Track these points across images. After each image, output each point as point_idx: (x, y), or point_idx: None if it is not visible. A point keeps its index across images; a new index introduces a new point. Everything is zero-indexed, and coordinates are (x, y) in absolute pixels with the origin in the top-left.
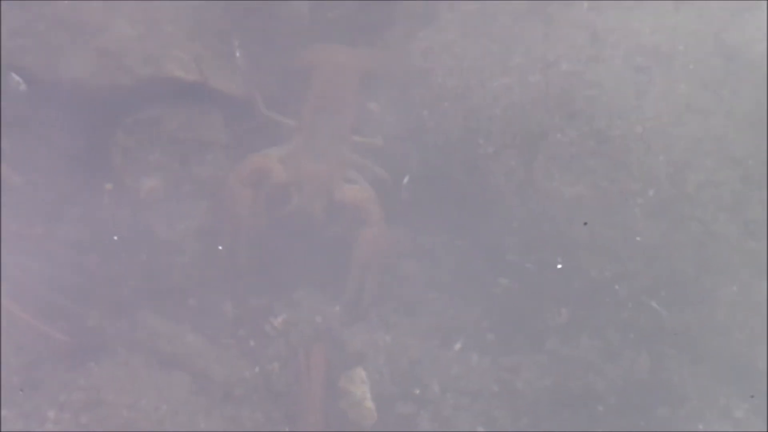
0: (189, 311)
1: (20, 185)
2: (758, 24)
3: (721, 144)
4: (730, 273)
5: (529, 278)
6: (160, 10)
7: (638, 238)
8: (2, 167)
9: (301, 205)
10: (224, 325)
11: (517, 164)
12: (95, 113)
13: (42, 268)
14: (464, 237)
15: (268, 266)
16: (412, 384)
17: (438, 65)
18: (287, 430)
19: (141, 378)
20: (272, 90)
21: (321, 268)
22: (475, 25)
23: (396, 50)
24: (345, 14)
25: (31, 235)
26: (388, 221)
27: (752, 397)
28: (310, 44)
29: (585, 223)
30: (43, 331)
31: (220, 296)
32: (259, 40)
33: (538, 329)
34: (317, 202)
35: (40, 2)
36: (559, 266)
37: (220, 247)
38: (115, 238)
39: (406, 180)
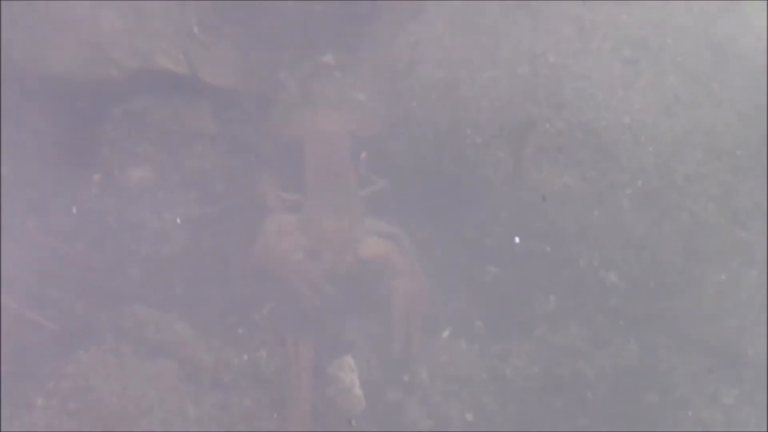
0: (177, 300)
1: (9, 176)
2: (746, 17)
3: (710, 135)
4: (719, 262)
5: (517, 266)
6: (148, 3)
7: (627, 228)
8: None
9: (331, 264)
10: (212, 313)
11: (505, 155)
12: (84, 105)
13: (31, 257)
14: (453, 226)
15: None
16: (401, 371)
17: (426, 57)
18: (275, 416)
19: (129, 365)
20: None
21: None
22: (463, 18)
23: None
24: (332, 8)
25: (21, 225)
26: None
27: (711, 371)
28: (297, 112)
29: (543, 198)
30: (31, 319)
31: (209, 285)
32: (247, 33)
33: (527, 317)
34: (344, 260)
35: None
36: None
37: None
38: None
39: (363, 155)
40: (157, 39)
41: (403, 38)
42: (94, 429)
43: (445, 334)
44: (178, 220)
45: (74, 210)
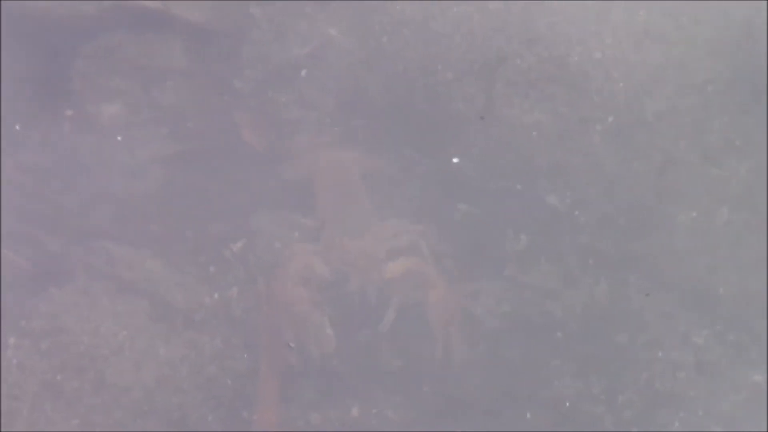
0: (149, 237)
1: None
2: None
3: (681, 71)
4: (690, 199)
5: (488, 204)
6: None
7: (598, 165)
8: None
9: (359, 285)
10: (184, 251)
11: (477, 91)
12: (56, 41)
13: (3, 194)
14: (424, 163)
15: (227, 191)
16: (371, 312)
17: None
18: (246, 356)
19: (101, 304)
20: None
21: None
22: None
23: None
24: None
25: None
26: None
27: (647, 295)
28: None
29: (482, 117)
30: (4, 257)
31: (181, 222)
32: None
33: (497, 255)
34: (373, 280)
35: None
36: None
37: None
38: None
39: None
40: None
41: None
42: (66, 368)
43: None
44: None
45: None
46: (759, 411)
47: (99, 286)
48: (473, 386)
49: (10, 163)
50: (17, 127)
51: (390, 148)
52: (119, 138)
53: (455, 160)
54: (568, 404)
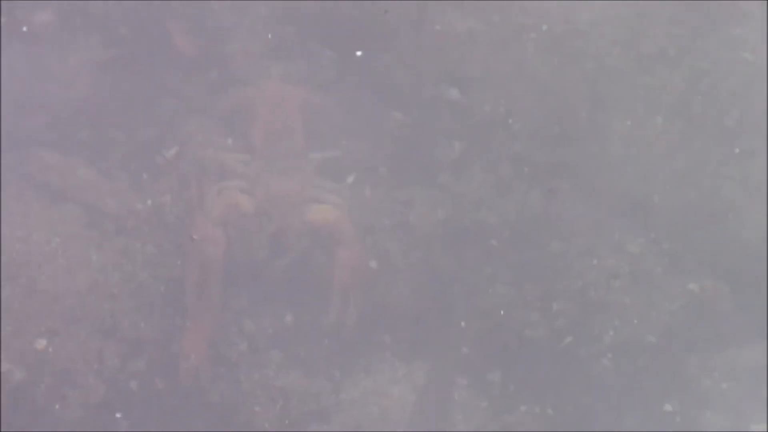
0: (81, 144)
1: None
2: None
3: None
4: (624, 108)
5: (421, 112)
6: None
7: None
8: None
9: (278, 226)
10: (116, 158)
11: None
12: None
13: None
14: (357, 71)
15: (160, 98)
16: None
17: None
18: (179, 263)
19: (33, 211)
20: None
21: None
22: None
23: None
24: None
25: None
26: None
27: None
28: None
29: (385, 11)
30: None
31: (112, 129)
32: None
33: (431, 163)
34: (293, 221)
35: None
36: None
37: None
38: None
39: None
40: None
41: None
42: None
43: (349, 180)
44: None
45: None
46: (693, 319)
47: (31, 193)
48: (406, 294)
49: None
50: None
51: (323, 56)
52: (51, 45)
53: (358, 53)
54: (502, 312)
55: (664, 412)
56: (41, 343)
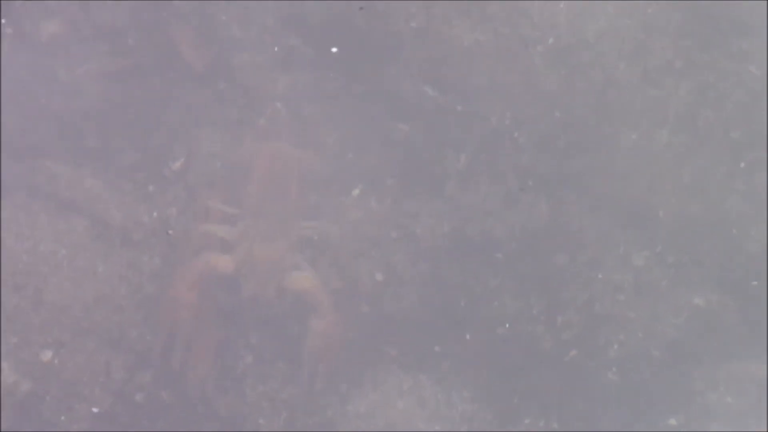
0: (88, 155)
1: None
2: None
3: None
4: (630, 120)
5: (428, 124)
6: None
7: (538, 85)
8: None
9: (253, 290)
10: (123, 169)
11: (417, 9)
12: None
13: None
14: (363, 82)
15: (167, 109)
16: (310, 230)
17: None
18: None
19: (40, 222)
20: None
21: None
22: None
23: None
24: None
25: None
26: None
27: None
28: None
29: (360, 8)
30: None
31: (119, 140)
32: None
33: (438, 175)
34: (270, 286)
35: None
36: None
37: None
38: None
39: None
40: None
41: None
42: (4, 286)
43: (355, 192)
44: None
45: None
46: (699, 333)
47: (38, 204)
48: (412, 306)
49: None
50: None
51: (329, 66)
52: (59, 55)
53: (334, 49)
54: (507, 325)
55: (669, 426)
56: (47, 355)
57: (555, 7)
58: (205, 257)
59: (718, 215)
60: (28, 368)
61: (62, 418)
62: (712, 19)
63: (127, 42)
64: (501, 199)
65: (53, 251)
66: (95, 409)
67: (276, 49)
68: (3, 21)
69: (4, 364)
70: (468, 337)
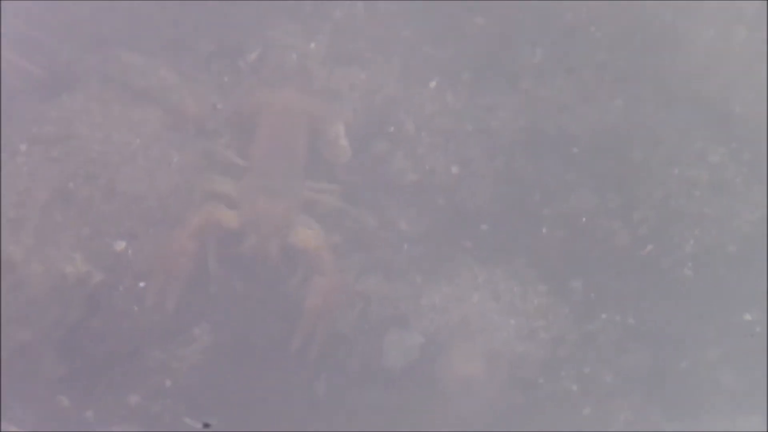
0: (163, 46)
1: None
2: None
3: None
4: (708, 17)
5: (504, 18)
6: None
7: None
8: None
9: (255, 246)
10: (198, 60)
11: None
12: None
13: (18, 3)
14: None
15: (242, 4)
16: (387, 122)
17: None
18: None
19: (114, 112)
20: None
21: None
22: None
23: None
24: None
25: None
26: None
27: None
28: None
29: None
30: (16, 64)
31: (195, 32)
32: None
33: (514, 69)
34: (272, 243)
35: None
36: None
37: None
38: None
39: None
40: None
41: None
42: (77, 176)
43: (432, 85)
44: None
45: None
46: None
47: (112, 93)
48: (487, 200)
49: None
50: None
51: None
52: None
53: None
54: (584, 219)
55: (744, 321)
56: (120, 245)
57: None
58: (209, 208)
59: None
60: (101, 259)
61: (134, 308)
62: None
63: None
64: (577, 94)
65: (127, 141)
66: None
67: None
68: None
69: (76, 255)
70: (544, 231)
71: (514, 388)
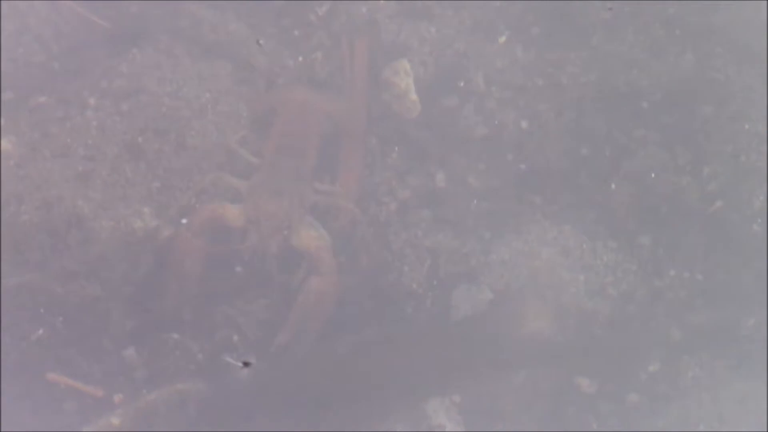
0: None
1: None
2: None
3: None
4: None
5: None
6: None
7: None
8: None
9: (256, 245)
10: (268, 14)
11: None
12: None
13: None
14: None
15: None
16: (457, 76)
17: None
18: None
19: (183, 66)
20: None
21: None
22: None
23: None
24: None
25: None
26: None
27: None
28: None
29: None
30: (85, 17)
31: None
32: None
33: (584, 24)
34: (273, 243)
35: None
36: None
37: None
38: None
39: None
40: None
41: None
42: (146, 130)
43: (502, 39)
44: None
45: None
46: None
47: (181, 47)
48: (557, 155)
49: None
50: None
51: None
52: None
53: None
54: (653, 175)
55: None
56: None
57: None
58: (213, 205)
59: None
60: (170, 213)
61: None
62: None
63: None
64: (647, 49)
65: (196, 95)
66: (238, 269)
67: None
68: None
69: (146, 209)
70: (613, 186)
71: (582, 343)
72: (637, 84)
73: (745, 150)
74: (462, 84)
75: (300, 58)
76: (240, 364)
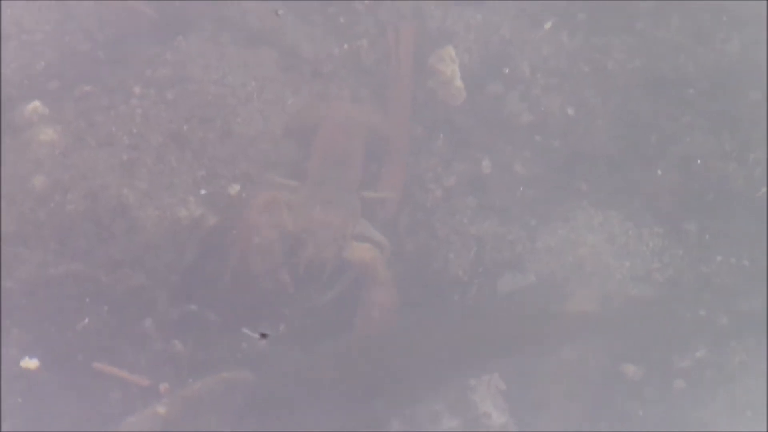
0: None
1: None
2: None
3: None
4: None
5: None
6: None
7: None
8: None
9: (311, 256)
10: (314, 2)
11: None
12: None
13: None
14: None
15: None
16: (502, 63)
17: None
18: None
19: (228, 54)
20: None
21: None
22: None
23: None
24: None
25: None
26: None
27: None
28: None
29: None
30: (130, 6)
31: None
32: None
33: (629, 10)
34: (328, 254)
35: None
36: None
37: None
38: None
39: None
40: None
41: None
42: (192, 118)
43: (547, 26)
44: None
45: None
46: None
47: (227, 35)
48: (603, 142)
49: None
50: None
51: None
52: None
53: None
54: (699, 161)
55: None
56: (235, 188)
57: None
58: (272, 197)
59: None
60: (215, 202)
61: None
62: None
63: None
64: (694, 35)
65: (242, 83)
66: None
67: None
68: None
69: (191, 198)
70: (659, 172)
71: (627, 330)
72: (683, 70)
73: None
74: (507, 71)
75: (345, 46)
76: (257, 336)
